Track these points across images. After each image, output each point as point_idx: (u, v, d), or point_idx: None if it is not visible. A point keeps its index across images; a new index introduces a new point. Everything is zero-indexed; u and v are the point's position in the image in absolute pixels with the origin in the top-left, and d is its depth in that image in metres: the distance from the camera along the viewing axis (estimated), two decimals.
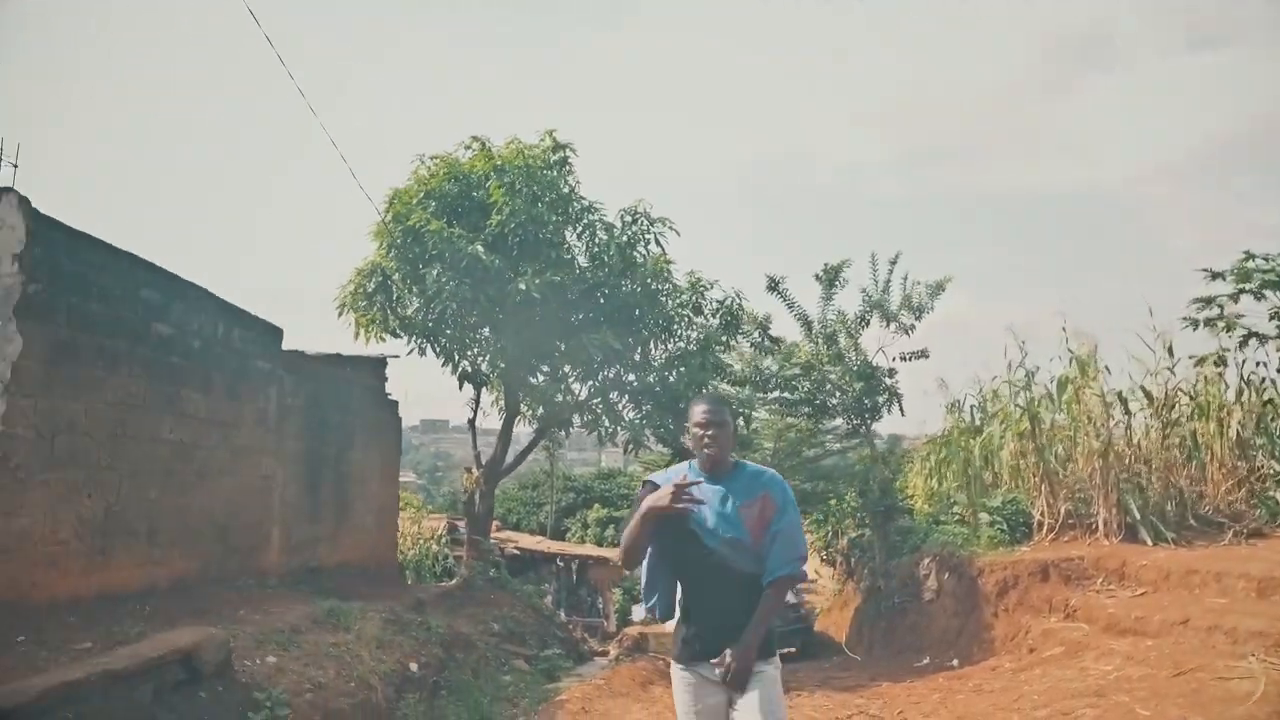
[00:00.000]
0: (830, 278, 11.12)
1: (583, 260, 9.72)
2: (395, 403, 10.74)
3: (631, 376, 10.19)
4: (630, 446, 10.20)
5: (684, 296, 9.91)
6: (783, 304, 11.33)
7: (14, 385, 4.41)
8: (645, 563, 2.56)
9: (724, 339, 10.53)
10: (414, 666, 6.16)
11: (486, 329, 9.62)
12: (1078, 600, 6.32)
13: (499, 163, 9.25)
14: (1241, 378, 8.25)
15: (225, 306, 6.76)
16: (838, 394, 11.24)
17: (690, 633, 2.47)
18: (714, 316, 10.32)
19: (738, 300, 10.31)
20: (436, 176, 9.36)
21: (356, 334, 9.84)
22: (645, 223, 9.72)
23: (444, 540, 16.19)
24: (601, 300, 9.59)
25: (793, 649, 11.14)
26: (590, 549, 23.36)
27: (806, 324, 11.34)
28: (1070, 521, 7.91)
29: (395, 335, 9.83)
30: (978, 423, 9.59)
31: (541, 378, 10.29)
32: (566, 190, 9.49)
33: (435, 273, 8.66)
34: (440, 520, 18.30)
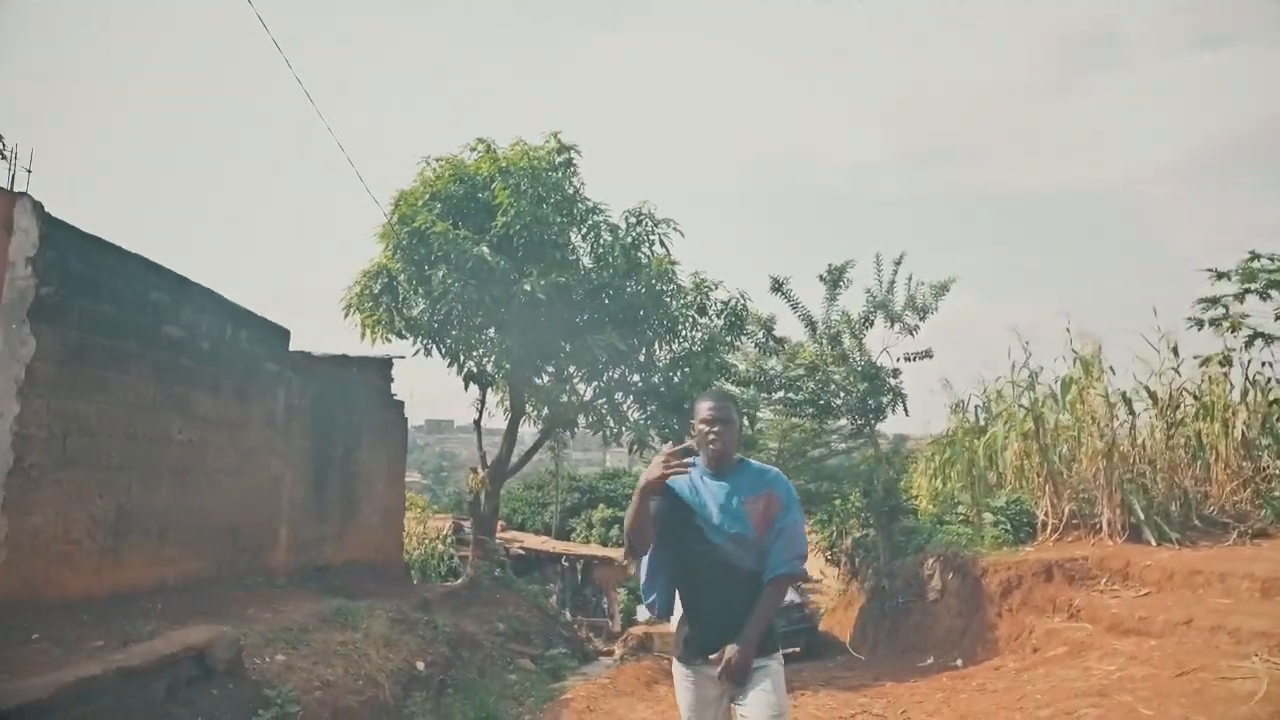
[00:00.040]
0: (834, 278, 11.14)
1: (587, 261, 9.77)
2: (401, 403, 10.81)
3: (636, 377, 10.24)
4: (635, 447, 10.24)
5: (688, 297, 9.96)
6: (787, 304, 11.35)
7: (28, 387, 4.47)
8: (645, 560, 2.57)
9: (728, 339, 10.57)
10: (421, 665, 6.21)
11: (492, 330, 9.68)
12: (1081, 600, 6.33)
13: (504, 164, 9.31)
14: (1247, 378, 8.23)
15: (233, 308, 6.83)
16: (842, 394, 11.26)
17: (692, 630, 2.49)
18: (718, 317, 10.37)
19: (742, 301, 10.35)
20: (442, 178, 9.43)
21: (362, 335, 9.92)
22: (650, 224, 9.77)
23: (449, 540, 16.26)
24: (606, 301, 9.64)
25: (797, 649, 11.16)
26: (595, 549, 23.41)
27: (811, 324, 11.36)
28: (1074, 522, 7.91)
29: (401, 336, 9.91)
30: (982, 423, 9.59)
31: (546, 378, 10.35)
32: (571, 192, 9.55)
33: (441, 274, 8.72)
34: (445, 520, 18.37)
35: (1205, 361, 8.41)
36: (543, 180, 9.18)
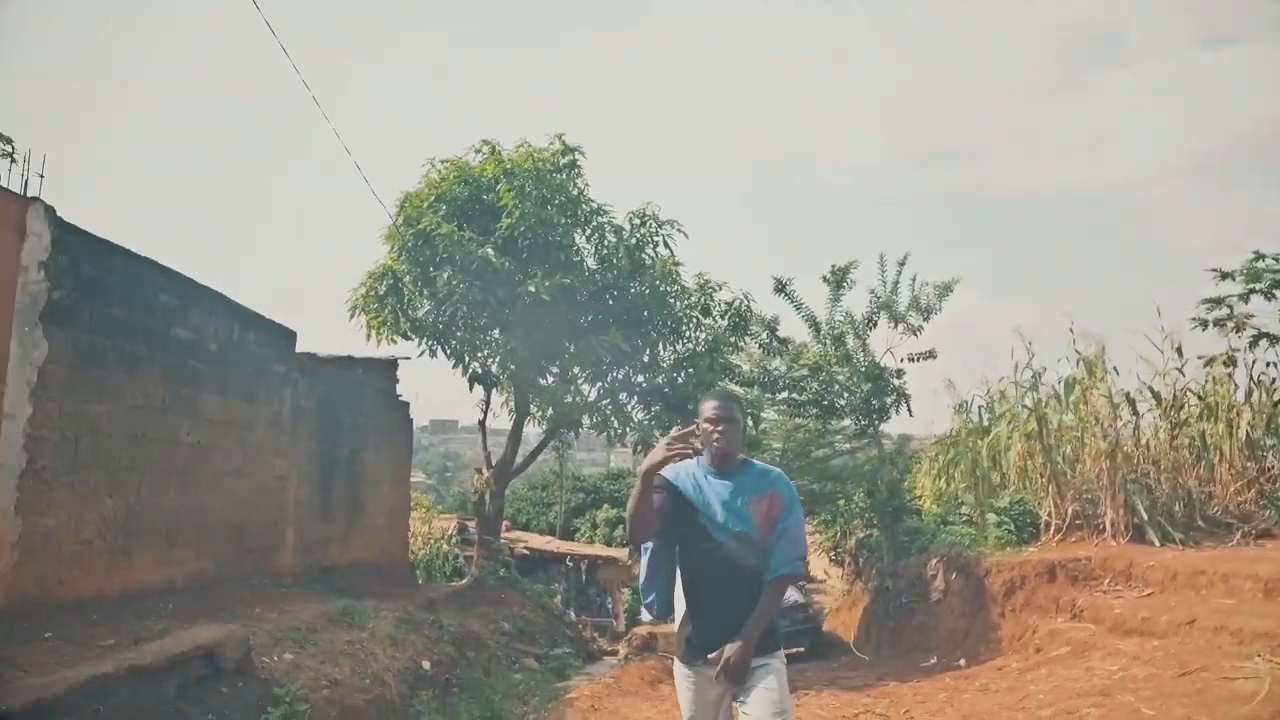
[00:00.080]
0: (838, 279, 11.15)
1: (592, 262, 9.80)
2: (406, 404, 10.87)
3: (640, 378, 10.27)
4: (639, 447, 10.27)
5: (692, 298, 9.99)
6: (790, 305, 11.37)
7: (40, 389, 4.54)
8: (645, 560, 2.58)
9: (732, 340, 10.60)
10: (426, 664, 6.26)
11: (496, 331, 9.72)
12: (1084, 600, 6.34)
13: (509, 166, 9.34)
14: (1251, 378, 8.23)
15: (240, 310, 6.89)
16: (846, 395, 11.27)
17: (693, 630, 2.49)
18: (722, 318, 10.39)
19: (746, 302, 10.38)
20: (447, 180, 9.47)
21: (368, 336, 9.97)
22: (654, 225, 9.80)
23: (454, 540, 16.33)
24: (610, 302, 9.67)
25: (801, 649, 11.18)
26: (599, 549, 23.44)
27: (814, 325, 11.38)
28: (1077, 522, 7.92)
29: (406, 337, 9.95)
30: (985, 423, 9.60)
31: (551, 379, 10.39)
32: (576, 193, 9.58)
33: (446, 275, 8.77)
34: (450, 520, 18.44)
35: (1209, 362, 8.41)
36: (547, 182, 9.21)
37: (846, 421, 11.99)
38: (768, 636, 2.44)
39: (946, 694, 5.84)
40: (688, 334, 10.14)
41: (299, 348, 8.04)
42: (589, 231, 9.81)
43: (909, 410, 11.25)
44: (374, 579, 8.89)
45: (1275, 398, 8.01)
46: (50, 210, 4.60)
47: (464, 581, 11.39)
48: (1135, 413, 8.17)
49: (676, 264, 9.79)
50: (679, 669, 2.56)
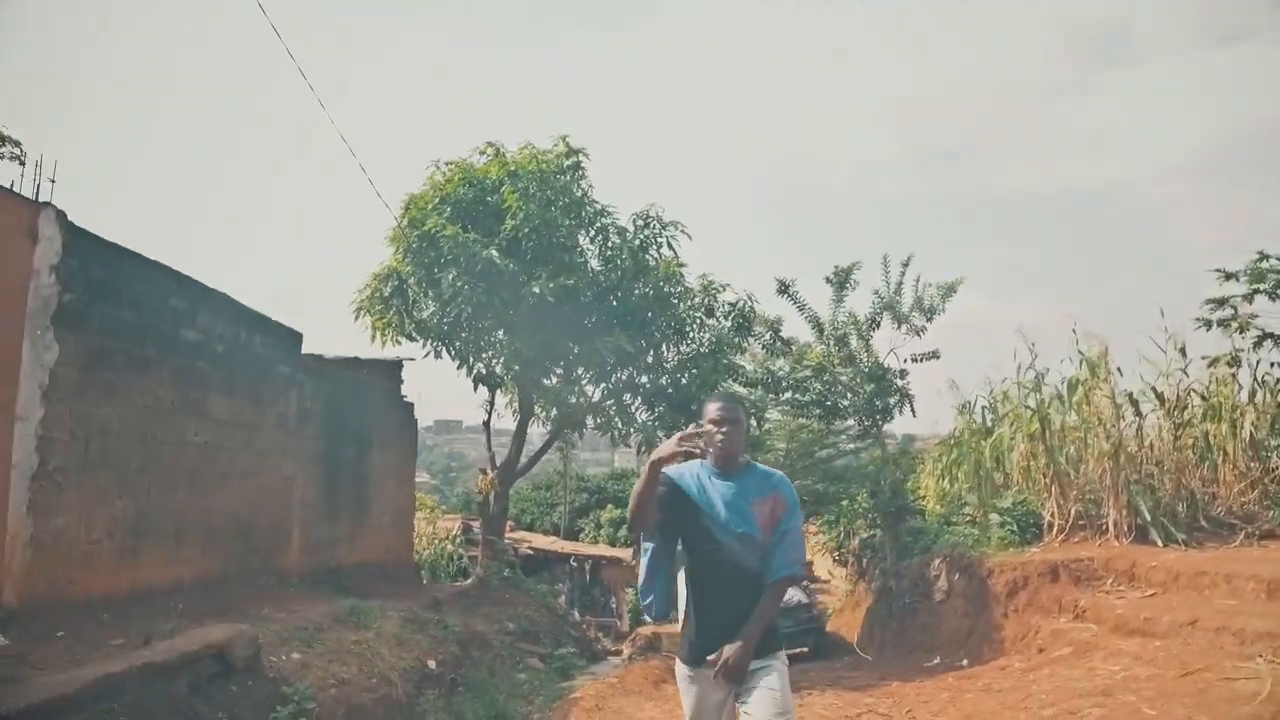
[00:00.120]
0: (841, 280, 11.16)
1: (596, 264, 9.85)
2: (411, 405, 10.93)
3: (644, 378, 10.31)
4: (643, 448, 10.31)
5: (696, 299, 10.03)
6: (794, 306, 11.39)
7: (52, 391, 4.60)
8: (645, 560, 2.59)
9: (736, 341, 10.63)
10: (432, 664, 6.31)
11: (501, 332, 9.77)
12: (1087, 601, 6.35)
13: (513, 168, 9.39)
14: (1255, 379, 8.23)
15: (247, 313, 6.95)
16: (849, 395, 11.28)
17: (694, 631, 2.51)
18: (726, 319, 10.43)
19: (749, 303, 10.41)
20: (451, 182, 9.52)
21: (373, 337, 10.02)
22: (657, 226, 9.85)
23: (458, 540, 16.38)
24: (614, 303, 9.72)
25: (805, 649, 11.20)
26: (603, 549, 23.49)
27: (818, 326, 11.40)
28: (1080, 523, 7.93)
29: (411, 338, 10.01)
30: (988, 424, 9.61)
31: (555, 380, 10.44)
32: (579, 195, 9.62)
33: (451, 277, 8.82)
34: (455, 520, 18.50)
35: (1213, 362, 8.41)
36: (551, 183, 9.26)
37: (850, 422, 12.00)
38: (769, 637, 2.46)
39: (949, 694, 5.86)
40: (691, 335, 10.18)
41: (303, 349, 8.10)
42: (593, 233, 9.86)
43: (912, 411, 11.26)
44: (379, 579, 8.94)
45: (1279, 398, 8.01)
46: (61, 215, 4.67)
47: (469, 582, 11.45)
48: (1138, 413, 8.17)
49: (680, 265, 9.84)
50: (681, 670, 2.57)
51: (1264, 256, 8.45)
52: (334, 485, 8.59)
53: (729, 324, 10.43)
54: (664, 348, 10.18)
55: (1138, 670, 4.89)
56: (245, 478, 6.79)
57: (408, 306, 9.76)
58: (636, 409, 10.42)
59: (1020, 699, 5.11)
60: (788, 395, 11.71)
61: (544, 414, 11.00)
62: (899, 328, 11.08)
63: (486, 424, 11.63)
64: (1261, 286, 8.40)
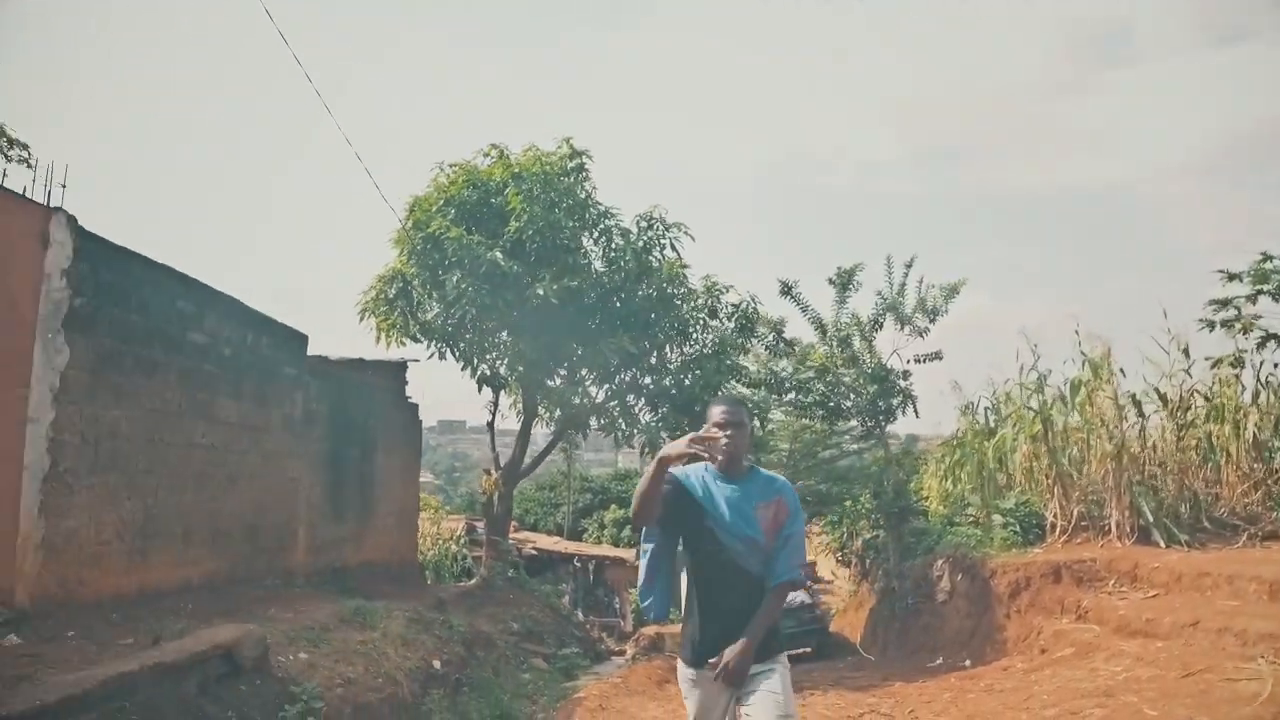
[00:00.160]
0: (844, 281, 11.19)
1: (599, 265, 9.89)
2: (415, 406, 10.98)
3: (648, 379, 10.35)
4: (647, 449, 10.35)
5: (699, 300, 10.06)
6: (796, 307, 11.42)
7: (62, 394, 4.65)
8: (644, 562, 2.61)
9: (739, 342, 10.67)
10: (437, 664, 6.36)
11: (505, 333, 9.82)
12: (1089, 602, 6.37)
13: (517, 170, 9.43)
14: (1259, 380, 8.22)
15: (254, 315, 7.00)
16: (852, 396, 11.30)
17: (696, 633, 2.52)
18: (729, 320, 10.46)
19: (753, 304, 10.44)
20: (456, 184, 9.57)
21: (377, 338, 10.09)
22: (661, 228, 9.88)
23: (462, 541, 16.45)
24: (618, 304, 9.76)
25: (808, 649, 11.23)
26: (607, 549, 23.54)
27: (821, 327, 11.43)
28: (1083, 523, 7.94)
29: (415, 340, 10.07)
30: (991, 425, 9.62)
31: (559, 381, 10.48)
32: (583, 196, 9.66)
33: (455, 279, 8.87)
34: (459, 521, 18.57)
35: (1217, 363, 8.41)
36: (555, 185, 9.30)
37: (853, 423, 12.03)
38: (771, 640, 2.48)
39: (951, 694, 5.89)
40: (695, 336, 10.22)
41: (308, 350, 8.16)
42: (596, 235, 9.90)
43: (915, 411, 11.28)
44: (384, 579, 9.00)
45: None
46: (72, 220, 4.72)
47: (473, 582, 11.50)
48: (1141, 414, 8.18)
49: (684, 266, 9.87)
50: (683, 671, 2.59)
51: (1268, 257, 8.44)
52: (339, 486, 8.64)
53: (732, 325, 10.46)
54: (667, 349, 10.22)
55: (1140, 671, 4.91)
56: (252, 479, 6.85)
57: (412, 308, 9.81)
58: (640, 410, 10.46)
59: (1022, 699, 5.14)
60: (791, 396, 11.74)
61: (548, 415, 11.04)
62: (902, 329, 11.10)
63: (491, 425, 11.68)
64: (1265, 287, 8.39)
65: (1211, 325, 8.67)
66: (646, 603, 2.64)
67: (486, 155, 9.85)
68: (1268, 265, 8.44)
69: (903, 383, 11.07)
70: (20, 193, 4.66)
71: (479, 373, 10.27)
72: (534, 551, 19.54)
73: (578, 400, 10.30)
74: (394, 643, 6.00)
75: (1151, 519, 7.21)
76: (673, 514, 2.49)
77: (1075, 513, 8.02)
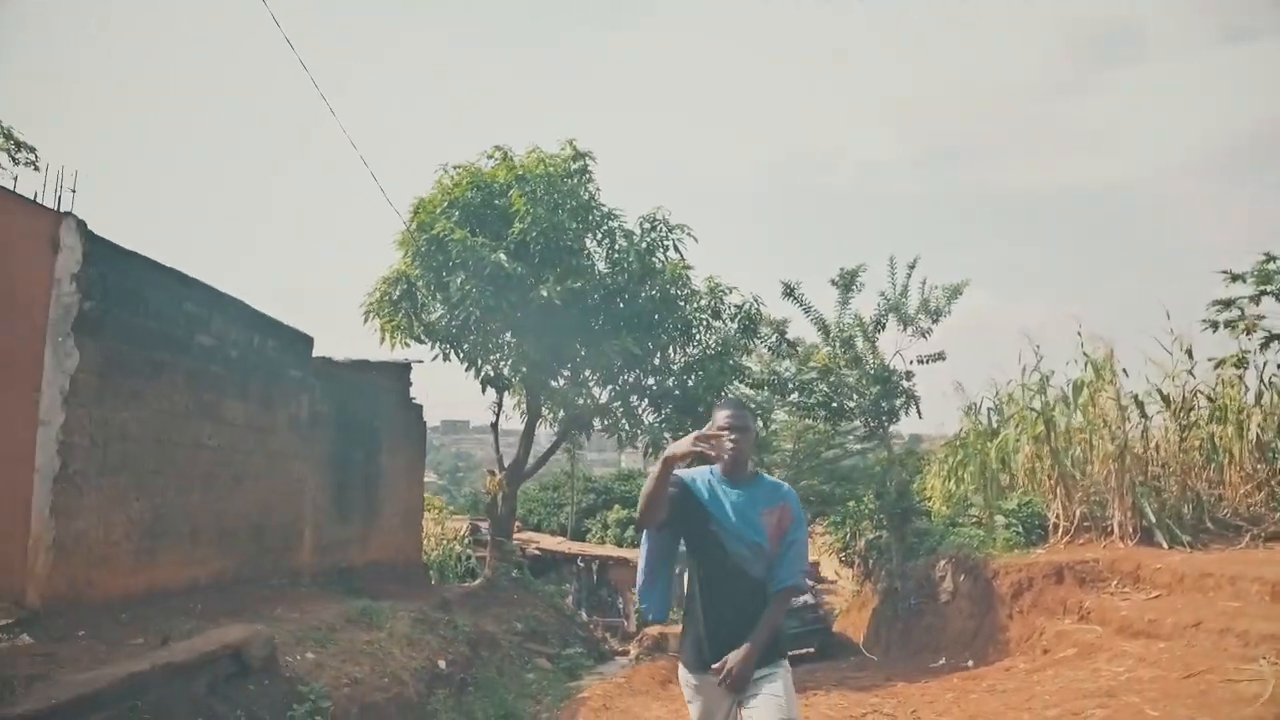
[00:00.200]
0: (846, 282, 11.21)
1: (603, 267, 9.93)
2: (420, 406, 11.03)
3: (651, 380, 10.39)
4: (650, 449, 10.39)
5: (702, 301, 10.09)
6: (799, 308, 11.43)
7: (72, 397, 4.70)
8: (643, 564, 2.62)
9: (742, 343, 10.69)
10: (442, 664, 6.40)
11: (509, 334, 9.87)
12: (1092, 602, 6.38)
13: (520, 172, 9.48)
14: (1262, 380, 8.21)
15: (259, 317, 7.06)
16: (855, 397, 11.32)
17: (698, 637, 2.52)
18: (732, 321, 10.49)
19: (755, 305, 10.47)
20: (460, 185, 9.61)
21: (381, 339, 10.14)
22: (664, 229, 9.92)
23: (467, 541, 16.49)
24: (621, 306, 9.79)
25: (811, 649, 11.25)
26: (610, 549, 23.56)
27: (823, 328, 11.45)
28: (1085, 524, 7.95)
29: (420, 341, 10.11)
30: (994, 425, 9.63)
31: (563, 382, 10.53)
32: (586, 198, 9.70)
33: (459, 280, 8.91)
34: (463, 521, 18.62)
35: (1220, 364, 8.41)
36: (559, 187, 9.34)
37: (856, 423, 12.04)
38: (773, 643, 2.49)
39: (954, 694, 5.91)
40: (698, 337, 10.25)
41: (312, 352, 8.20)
42: (600, 236, 9.94)
43: (918, 412, 11.29)
44: (389, 579, 9.04)
45: None
46: (82, 224, 4.77)
47: (477, 582, 11.55)
48: (1144, 415, 8.18)
49: (687, 268, 9.90)
50: (685, 676, 2.59)
51: (1271, 258, 8.44)
52: (344, 487, 8.69)
53: (735, 326, 10.49)
54: (671, 350, 10.26)
55: (1142, 672, 4.93)
56: (258, 480, 6.90)
57: (416, 309, 9.86)
58: (643, 411, 10.50)
59: (1024, 700, 5.16)
60: (794, 397, 11.76)
61: (551, 415, 11.09)
62: (905, 330, 11.11)
63: (494, 425, 11.72)
64: (1269, 288, 8.38)
65: (1215, 326, 8.67)
66: (645, 606, 2.64)
67: (490, 157, 9.90)
68: (1271, 266, 8.43)
69: (906, 383, 11.08)
70: (31, 198, 4.71)
71: (483, 374, 10.32)
72: (538, 551, 19.60)
73: (581, 401, 10.34)
74: (400, 643, 6.05)
75: (1154, 520, 7.22)
76: (678, 517, 2.49)
77: (1078, 513, 8.03)
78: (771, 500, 2.53)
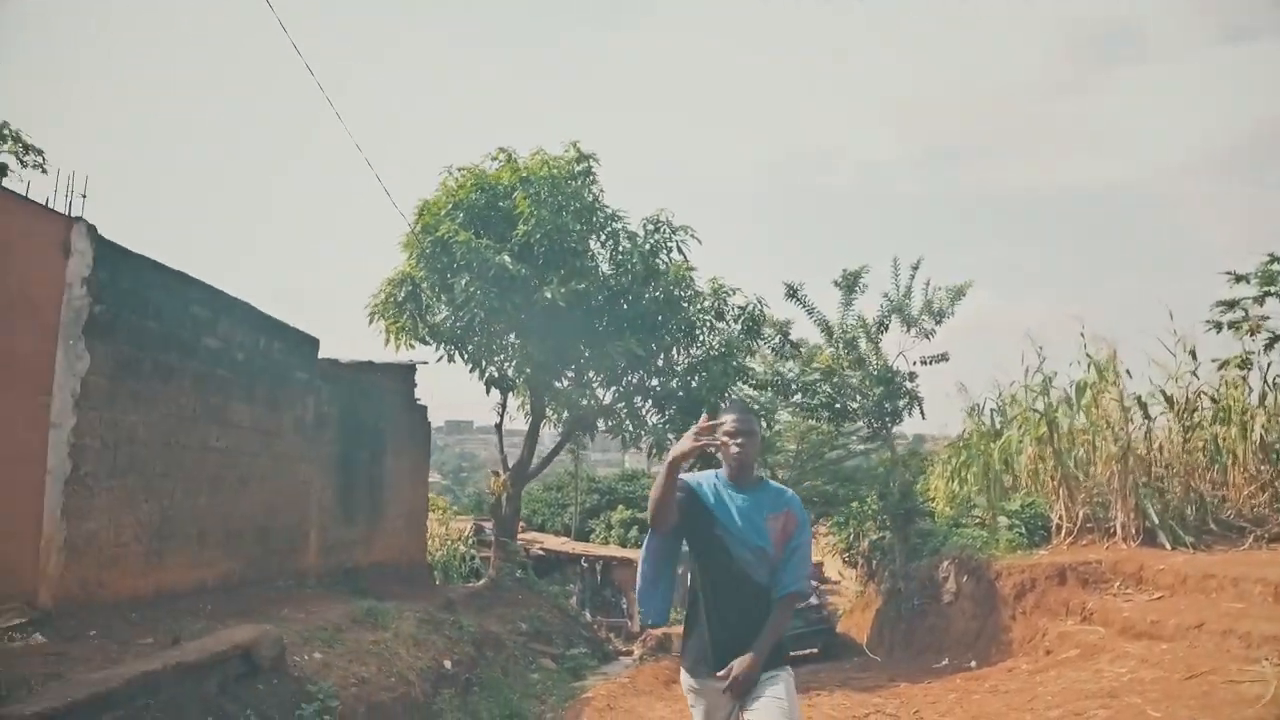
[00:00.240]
0: (849, 283, 11.24)
1: (606, 268, 9.96)
2: (424, 408, 11.09)
3: (654, 381, 10.42)
4: (654, 450, 10.42)
5: (706, 302, 10.12)
6: (802, 310, 11.47)
7: (83, 400, 4.76)
8: (643, 566, 2.63)
9: (746, 344, 10.72)
10: (448, 664, 6.45)
11: (513, 336, 9.91)
12: (1094, 603, 6.40)
13: (524, 174, 9.52)
14: (1265, 381, 8.21)
15: (266, 320, 7.11)
16: (858, 398, 11.35)
17: (701, 642, 2.53)
18: (735, 322, 10.52)
19: (759, 306, 10.50)
20: (464, 187, 9.65)
21: (386, 341, 10.18)
22: (667, 231, 9.95)
23: (471, 541, 16.54)
24: (625, 307, 9.83)
25: (815, 649, 11.27)
26: (614, 550, 23.59)
27: (827, 329, 11.48)
28: (1088, 525, 7.96)
29: (424, 342, 10.15)
30: (997, 426, 9.64)
31: (567, 383, 10.57)
32: (590, 200, 9.74)
33: (463, 282, 8.96)
34: (467, 522, 18.67)
35: (1223, 365, 8.41)
36: (562, 189, 9.38)
37: (859, 424, 12.07)
38: (776, 648, 2.50)
39: (956, 695, 5.93)
40: (701, 338, 10.28)
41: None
42: (604, 238, 9.98)
43: (921, 413, 11.32)
44: (394, 580, 9.09)
45: None
46: (92, 229, 4.83)
47: (481, 582, 11.59)
48: (1147, 416, 8.19)
49: (690, 269, 9.93)
50: (687, 681, 2.60)
51: (1275, 259, 8.44)
52: (350, 488, 8.75)
53: (739, 327, 10.51)
54: (674, 351, 10.28)
55: (1144, 673, 4.95)
56: (264, 481, 6.95)
57: (421, 311, 9.91)
58: (647, 412, 10.54)
59: (1027, 700, 5.18)
60: (797, 397, 11.79)
61: (555, 416, 11.13)
62: (908, 331, 11.14)
63: (499, 426, 11.77)
64: (1272, 289, 8.39)
65: (1218, 326, 8.68)
66: (646, 609, 2.66)
67: (494, 159, 9.94)
68: (1275, 267, 8.43)
69: (909, 384, 11.11)
70: (43, 204, 4.77)
71: (487, 375, 10.35)
72: (541, 552, 19.64)
73: (585, 402, 10.38)
74: (405, 643, 6.09)
75: (1157, 521, 7.23)
76: (684, 520, 2.51)
77: (1081, 514, 8.04)
78: (777, 506, 2.55)
